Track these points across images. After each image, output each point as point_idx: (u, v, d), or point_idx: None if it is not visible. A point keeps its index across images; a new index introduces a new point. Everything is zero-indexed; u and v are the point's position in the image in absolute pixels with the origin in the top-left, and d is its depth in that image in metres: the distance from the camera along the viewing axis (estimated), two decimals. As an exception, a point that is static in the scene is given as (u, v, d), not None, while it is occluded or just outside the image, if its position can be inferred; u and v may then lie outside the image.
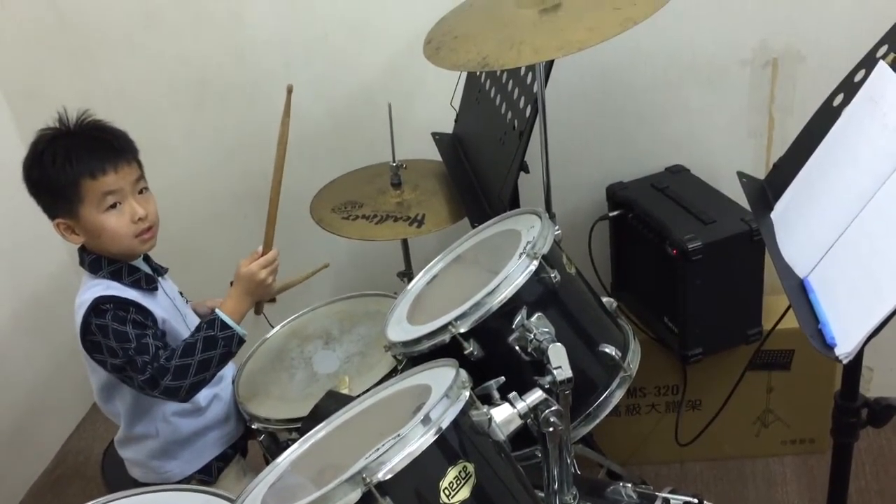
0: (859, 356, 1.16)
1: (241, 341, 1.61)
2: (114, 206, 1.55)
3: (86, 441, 2.65)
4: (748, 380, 2.01)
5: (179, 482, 1.69)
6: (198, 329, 1.59)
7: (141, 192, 1.59)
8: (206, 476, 1.71)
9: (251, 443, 1.89)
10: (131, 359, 1.51)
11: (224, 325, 1.58)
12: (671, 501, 1.37)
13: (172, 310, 1.68)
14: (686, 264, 1.84)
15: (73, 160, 1.52)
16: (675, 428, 2.17)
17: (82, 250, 1.62)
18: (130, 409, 1.65)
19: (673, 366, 2.10)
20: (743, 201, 1.78)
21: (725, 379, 2.02)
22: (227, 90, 2.34)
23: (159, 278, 1.68)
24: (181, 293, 1.78)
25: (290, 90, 1.70)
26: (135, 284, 1.60)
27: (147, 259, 1.68)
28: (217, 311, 1.61)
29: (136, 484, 1.72)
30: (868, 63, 1.34)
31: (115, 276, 1.59)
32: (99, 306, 1.53)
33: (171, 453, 1.69)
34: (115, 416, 1.70)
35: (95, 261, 1.59)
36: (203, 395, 1.68)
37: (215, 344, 1.56)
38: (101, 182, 1.53)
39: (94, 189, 1.53)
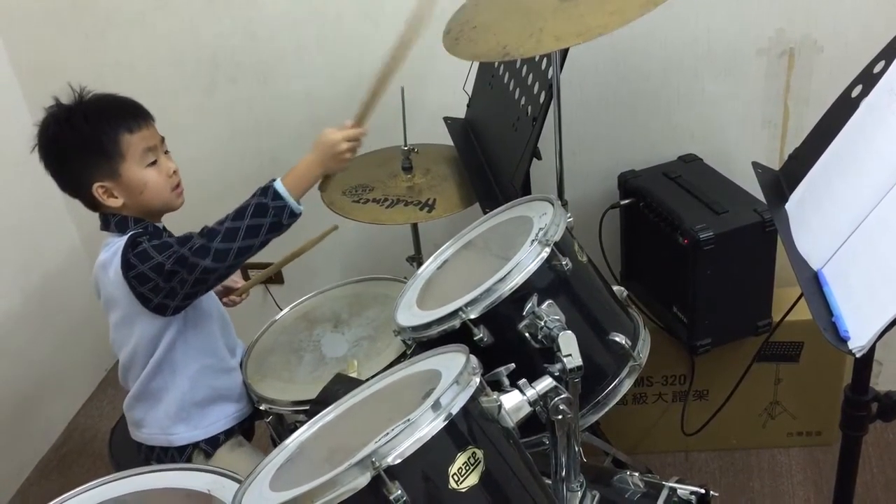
0: (871, 350, 1.15)
1: (294, 215, 1.57)
2: (153, 162, 1.58)
3: (93, 419, 2.66)
4: (756, 371, 2.00)
5: (184, 447, 1.70)
6: (253, 194, 1.57)
7: (166, 152, 1.63)
8: (211, 447, 1.72)
9: (258, 424, 1.90)
10: (177, 252, 1.51)
11: (276, 195, 1.56)
12: (678, 491, 1.37)
13: None
14: (697, 254, 1.83)
15: (109, 116, 1.54)
16: (682, 418, 2.17)
17: (105, 214, 1.62)
18: (159, 359, 1.64)
19: (680, 355, 2.09)
20: (756, 192, 1.78)
21: (733, 370, 2.02)
22: (239, 71, 2.33)
23: None
24: None
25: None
26: None
27: (164, 230, 1.69)
28: (276, 180, 1.58)
29: (141, 456, 1.72)
30: (888, 54, 1.32)
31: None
32: (135, 240, 1.55)
33: (183, 415, 1.69)
34: (136, 370, 1.68)
35: (122, 220, 1.60)
36: (230, 358, 1.72)
37: (265, 212, 1.54)
38: (139, 136, 1.56)
39: (134, 144, 1.55)
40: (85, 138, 1.53)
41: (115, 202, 1.57)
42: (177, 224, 1.69)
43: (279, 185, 1.57)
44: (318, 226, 2.05)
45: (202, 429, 1.71)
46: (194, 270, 1.51)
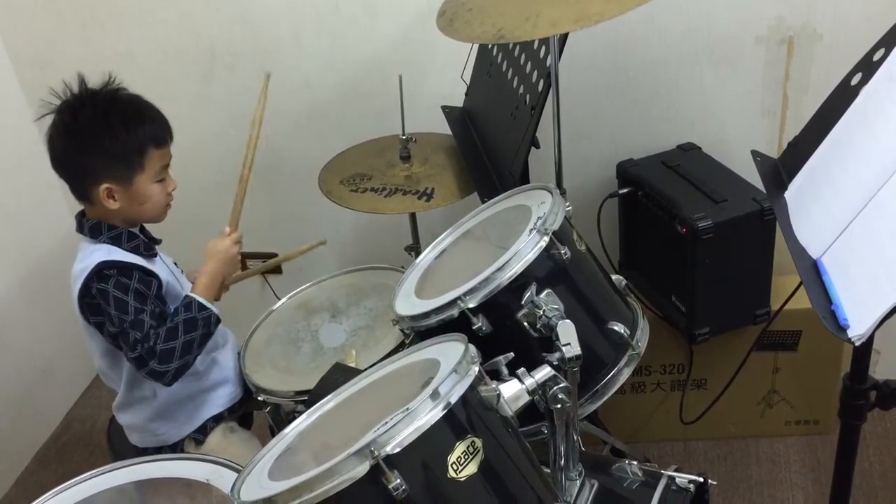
0: (870, 339, 1.15)
1: (218, 321, 1.62)
2: (161, 179, 1.59)
3: (91, 409, 2.66)
4: (754, 360, 2.01)
5: (175, 443, 1.70)
6: (175, 313, 1.57)
7: (167, 165, 1.63)
8: (200, 435, 1.72)
9: (256, 414, 1.90)
10: (125, 331, 1.51)
11: (201, 307, 1.58)
12: (676, 480, 1.37)
13: (171, 276, 1.68)
14: (696, 243, 1.83)
15: (145, 127, 1.54)
16: (680, 407, 2.17)
17: (80, 216, 1.62)
18: (131, 372, 1.64)
19: (679, 345, 2.09)
20: (755, 180, 1.77)
21: (731, 359, 2.02)
22: (237, 60, 2.32)
23: (156, 247, 1.68)
24: (176, 264, 1.77)
25: (267, 77, 1.79)
26: (134, 250, 1.59)
27: (143, 229, 1.68)
28: (191, 293, 1.61)
29: (139, 452, 1.72)
30: (887, 42, 1.32)
31: (115, 242, 1.58)
32: (102, 271, 1.53)
33: (167, 415, 1.69)
34: (115, 380, 1.70)
35: (95, 226, 1.59)
36: (200, 360, 1.68)
37: (196, 325, 1.56)
38: (162, 153, 1.57)
39: (155, 159, 1.56)
40: (118, 141, 1.52)
41: (112, 205, 1.56)
42: (171, 214, 1.68)
43: (199, 297, 1.59)
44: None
45: (189, 423, 1.71)
46: (132, 362, 1.54)
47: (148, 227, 1.69)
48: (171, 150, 1.61)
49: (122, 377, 1.67)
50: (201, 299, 1.59)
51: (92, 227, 1.59)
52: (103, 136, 1.52)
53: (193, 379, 1.70)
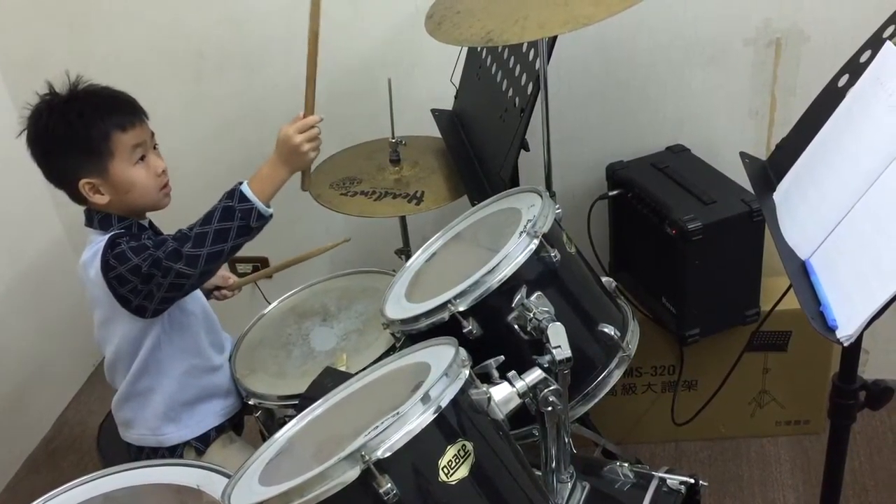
0: (859, 339, 1.15)
1: (263, 217, 1.53)
2: (141, 159, 1.56)
3: (82, 413, 2.65)
4: (744, 360, 2.01)
5: (175, 446, 1.69)
6: (220, 198, 1.54)
7: (155, 147, 1.62)
8: (202, 444, 1.71)
9: (247, 418, 1.89)
10: (153, 255, 1.48)
11: (242, 198, 1.52)
12: (667, 481, 1.38)
13: None
14: (685, 244, 1.83)
15: (103, 113, 1.52)
16: (671, 408, 2.18)
17: (89, 211, 1.61)
18: (144, 360, 1.63)
19: (670, 346, 2.10)
20: (743, 182, 1.78)
21: (722, 359, 2.02)
22: (226, 61, 2.32)
23: None
24: None
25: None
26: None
27: (152, 226, 1.68)
28: (243, 183, 1.55)
29: (131, 456, 1.71)
30: (874, 43, 1.33)
31: (127, 231, 1.58)
32: (114, 241, 1.53)
33: (172, 415, 1.68)
34: (123, 370, 1.67)
35: (105, 218, 1.58)
36: (216, 356, 1.71)
37: (232, 215, 1.50)
38: (131, 135, 1.54)
39: (124, 142, 1.53)
40: (76, 134, 1.51)
41: (101, 199, 1.55)
42: (163, 216, 1.68)
43: (245, 188, 1.53)
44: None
45: (192, 427, 1.70)
46: (168, 274, 1.49)
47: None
48: (147, 130, 1.58)
49: (132, 364, 1.64)
50: (247, 190, 1.52)
51: (101, 219, 1.58)
52: (63, 134, 1.52)
53: (208, 374, 1.70)
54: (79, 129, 1.51)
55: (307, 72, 1.64)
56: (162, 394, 1.66)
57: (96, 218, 1.59)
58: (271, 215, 1.55)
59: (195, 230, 1.50)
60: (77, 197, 1.58)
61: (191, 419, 1.70)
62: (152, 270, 1.49)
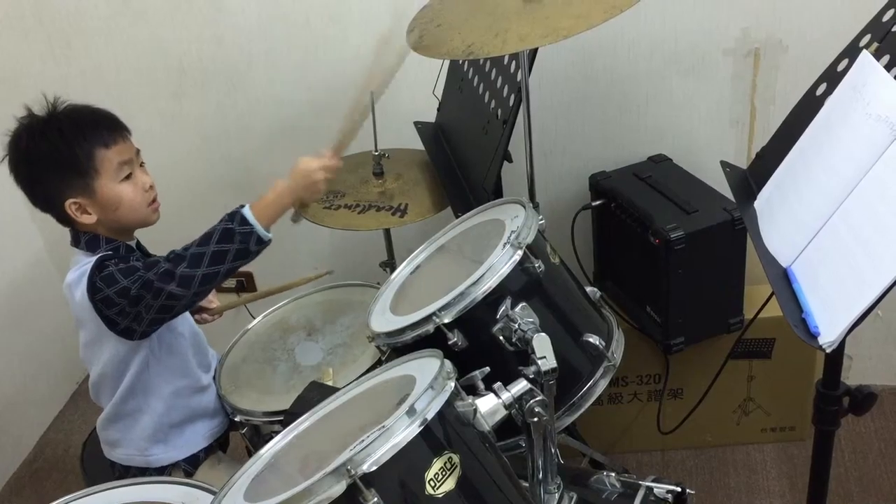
0: (842, 345, 1.16)
1: (262, 242, 1.52)
2: (128, 176, 1.55)
3: (64, 433, 2.62)
4: (729, 368, 2.02)
5: (163, 467, 1.68)
6: (221, 219, 1.52)
7: (141, 164, 1.60)
8: (191, 466, 1.70)
9: (233, 435, 1.88)
10: (143, 277, 1.47)
11: (244, 221, 1.50)
12: (655, 490, 1.38)
13: None
14: (668, 254, 1.84)
15: (84, 131, 1.50)
16: (657, 417, 2.18)
17: (75, 232, 1.59)
18: (131, 381, 1.61)
19: (655, 355, 2.10)
20: (725, 190, 1.79)
21: (707, 368, 2.03)
22: (207, 77, 2.31)
23: None
24: None
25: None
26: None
27: (140, 247, 1.66)
28: (245, 206, 1.53)
29: (115, 475, 1.70)
30: (851, 52, 1.34)
31: (115, 253, 1.57)
32: (102, 263, 1.51)
33: (161, 436, 1.67)
34: (110, 390, 1.65)
35: (93, 239, 1.56)
36: (205, 376, 1.69)
37: (232, 237, 1.49)
38: (115, 151, 1.52)
39: (109, 159, 1.51)
40: (59, 153, 1.49)
41: (88, 219, 1.54)
42: (148, 233, 1.67)
43: (247, 211, 1.51)
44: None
45: (180, 448, 1.68)
46: (160, 296, 1.47)
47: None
48: (132, 146, 1.57)
49: (120, 385, 1.62)
50: (249, 213, 1.50)
51: (89, 240, 1.56)
52: (46, 156, 1.50)
53: (194, 395, 1.68)
54: (62, 149, 1.49)
55: (352, 118, 1.65)
56: (150, 415, 1.65)
57: (83, 239, 1.57)
58: (270, 240, 1.54)
59: (191, 250, 1.48)
60: (64, 219, 1.56)
61: (179, 440, 1.68)
62: (141, 292, 1.47)
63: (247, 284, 2.49)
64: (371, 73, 1.66)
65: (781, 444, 2.23)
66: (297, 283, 1.95)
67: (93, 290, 1.50)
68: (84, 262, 1.54)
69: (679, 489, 1.38)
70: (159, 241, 1.90)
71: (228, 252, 1.48)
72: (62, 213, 1.54)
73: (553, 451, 1.29)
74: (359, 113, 1.65)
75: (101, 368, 1.62)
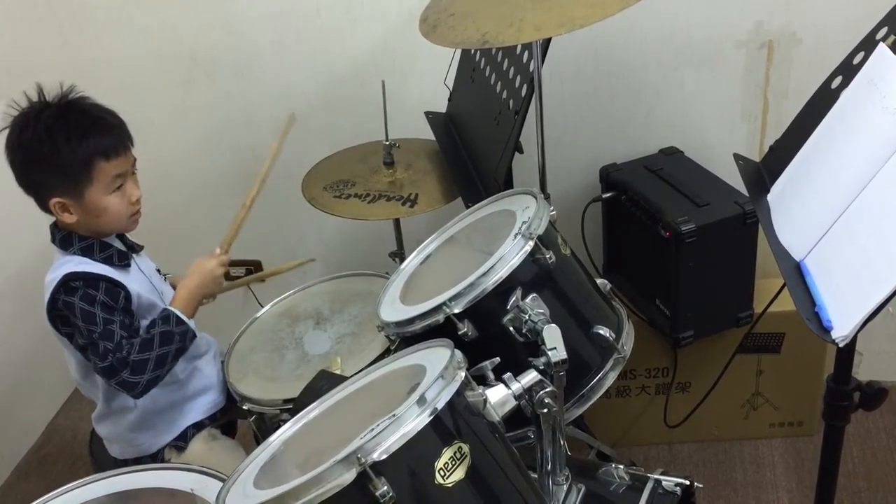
0: (854, 340, 1.15)
1: (194, 336, 1.61)
2: (119, 187, 1.55)
3: (72, 420, 2.63)
4: (738, 362, 2.01)
5: (155, 452, 1.69)
6: (152, 324, 1.56)
7: (133, 173, 1.60)
8: (182, 442, 1.71)
9: (240, 423, 1.88)
10: (94, 342, 1.50)
11: (179, 321, 1.57)
12: (663, 483, 1.37)
13: (148, 286, 1.66)
14: (679, 247, 1.84)
15: (90, 139, 1.50)
16: (665, 410, 2.18)
17: (53, 227, 1.60)
18: (107, 385, 1.61)
19: (663, 348, 2.10)
20: (736, 184, 1.79)
21: (715, 362, 2.03)
22: (217, 66, 2.31)
23: (133, 255, 1.66)
24: (159, 270, 1.76)
25: (291, 119, 1.80)
26: (106, 261, 1.58)
27: (122, 237, 1.66)
28: (170, 307, 1.59)
29: (119, 464, 1.70)
30: (867, 45, 1.33)
31: (86, 253, 1.57)
32: (68, 283, 1.51)
33: (146, 424, 1.68)
34: (93, 391, 1.68)
35: (66, 237, 1.57)
36: (181, 368, 1.68)
37: (171, 339, 1.55)
38: (114, 164, 1.53)
39: (106, 171, 1.52)
40: (60, 156, 1.49)
41: (69, 218, 1.54)
42: (152, 222, 1.67)
43: (178, 311, 1.58)
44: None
45: (168, 432, 1.70)
46: (102, 373, 1.52)
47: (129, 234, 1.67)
48: (131, 157, 1.57)
49: (99, 388, 1.65)
50: (180, 313, 1.58)
51: (62, 238, 1.57)
52: (46, 152, 1.49)
53: (175, 387, 1.68)
54: (63, 152, 1.49)
55: (237, 216, 1.76)
56: (135, 410, 1.66)
57: (58, 236, 1.58)
58: (195, 335, 1.62)
59: (132, 357, 1.50)
60: (44, 208, 1.57)
61: (166, 424, 1.70)
62: (86, 356, 1.53)
63: (255, 271, 2.49)
64: (273, 151, 1.81)
65: (789, 438, 2.22)
66: (279, 269, 1.97)
67: (52, 305, 1.53)
68: (56, 266, 1.56)
69: (687, 483, 1.38)
70: (166, 228, 1.91)
71: (169, 353, 1.55)
72: (45, 205, 1.55)
73: (562, 442, 1.29)
74: (244, 212, 1.77)
75: (74, 373, 1.66)
